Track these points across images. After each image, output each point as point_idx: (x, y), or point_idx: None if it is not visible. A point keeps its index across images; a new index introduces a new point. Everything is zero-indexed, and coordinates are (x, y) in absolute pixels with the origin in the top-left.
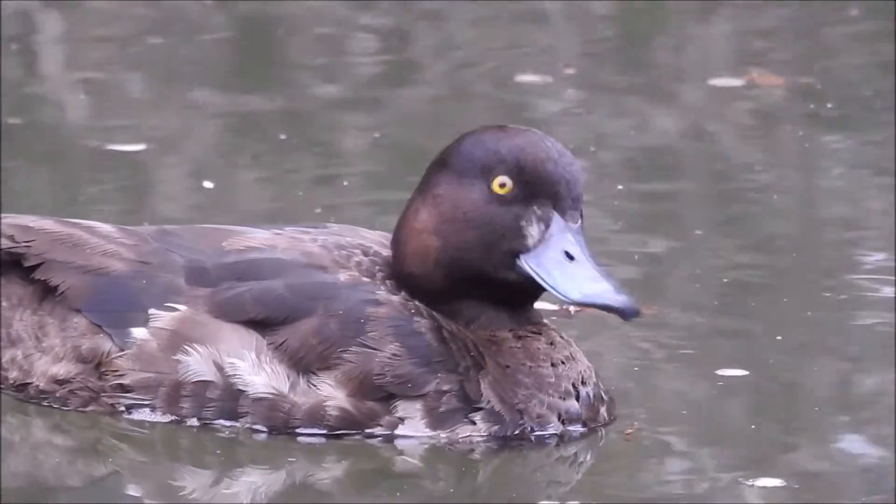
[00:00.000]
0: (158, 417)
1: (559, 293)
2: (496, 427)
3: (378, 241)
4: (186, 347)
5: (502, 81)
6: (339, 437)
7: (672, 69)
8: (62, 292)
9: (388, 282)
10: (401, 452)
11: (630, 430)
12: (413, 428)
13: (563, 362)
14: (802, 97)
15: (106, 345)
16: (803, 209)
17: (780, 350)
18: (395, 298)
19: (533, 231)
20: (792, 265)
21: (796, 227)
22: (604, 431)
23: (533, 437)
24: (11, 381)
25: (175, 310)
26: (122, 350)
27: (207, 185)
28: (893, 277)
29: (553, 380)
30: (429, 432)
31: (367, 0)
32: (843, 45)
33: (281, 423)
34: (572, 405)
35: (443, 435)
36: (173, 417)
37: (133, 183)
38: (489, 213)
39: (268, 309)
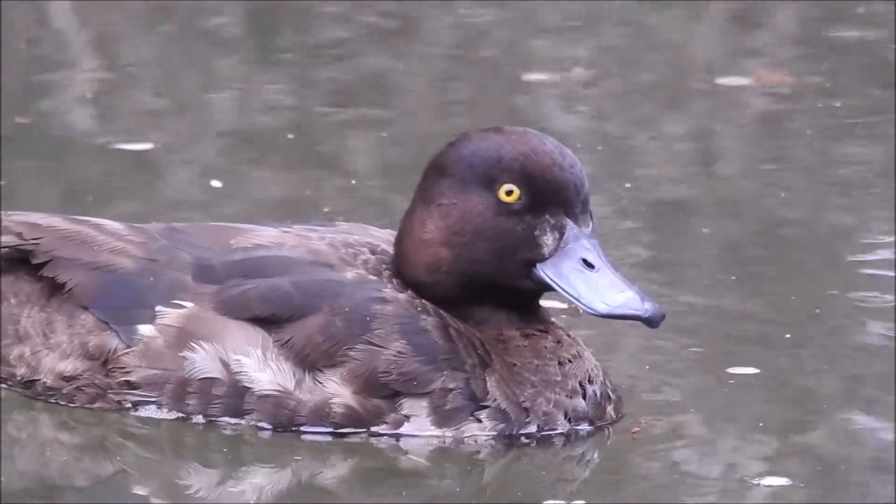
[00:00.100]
0: (164, 414)
1: (583, 305)
2: (502, 425)
3: (386, 239)
4: (192, 344)
5: (510, 80)
6: (344, 435)
7: (680, 68)
8: (70, 289)
9: (394, 280)
10: (406, 451)
11: (637, 429)
12: (419, 426)
13: (570, 361)
14: (810, 96)
15: (113, 342)
16: (811, 207)
17: (792, 348)
18: (402, 296)
19: (548, 240)
20: (801, 262)
21: (805, 225)
22: (611, 430)
23: (539, 436)
24: (19, 378)
25: (182, 307)
26: (129, 347)
27: (216, 183)
28: None
29: (560, 378)
30: (434, 430)
31: (375, 0)
32: (851, 44)
33: (286, 420)
34: (579, 403)
35: (448, 433)
36: (179, 414)
37: (141, 182)
38: (500, 224)
39: (274, 306)
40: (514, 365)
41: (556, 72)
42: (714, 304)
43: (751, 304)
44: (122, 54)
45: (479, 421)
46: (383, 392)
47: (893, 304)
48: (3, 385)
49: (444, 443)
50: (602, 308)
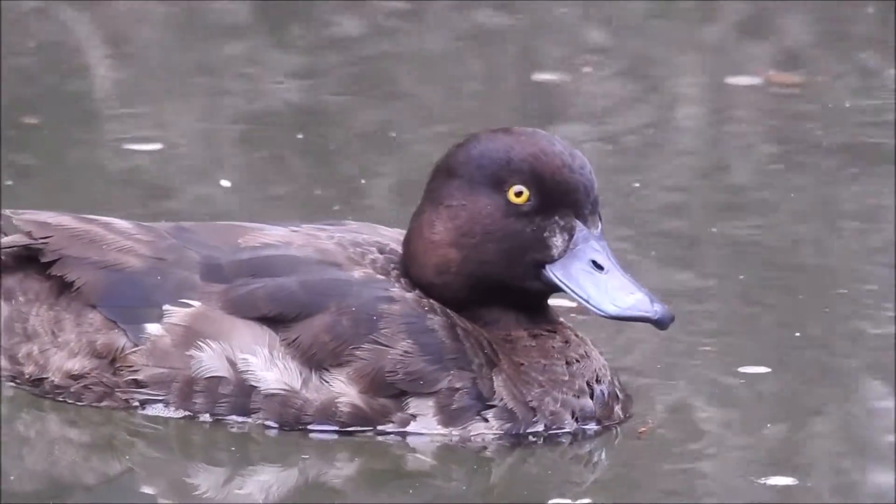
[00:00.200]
0: (172, 413)
1: (593, 307)
2: (509, 425)
3: (395, 238)
4: (199, 343)
5: (520, 79)
6: (350, 433)
7: (689, 68)
8: (78, 288)
9: (402, 279)
10: (413, 450)
11: (644, 429)
12: (425, 425)
13: (577, 360)
14: (819, 95)
15: (120, 340)
16: (821, 206)
17: (801, 348)
18: (409, 296)
19: (557, 241)
20: (810, 261)
21: (814, 224)
22: (618, 430)
23: (546, 435)
24: (27, 376)
25: (189, 306)
26: (137, 346)
27: (225, 183)
28: None
29: (567, 378)
30: (441, 430)
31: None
32: (861, 45)
33: (293, 419)
34: (586, 403)
35: (455, 432)
36: (186, 413)
37: (150, 182)
38: (510, 226)
39: (280, 305)
40: (522, 364)
41: (566, 72)
42: (724, 303)
43: (760, 303)
44: (131, 54)
45: (486, 420)
46: (390, 391)
47: None
48: (12, 383)
49: (451, 442)
50: (611, 310)
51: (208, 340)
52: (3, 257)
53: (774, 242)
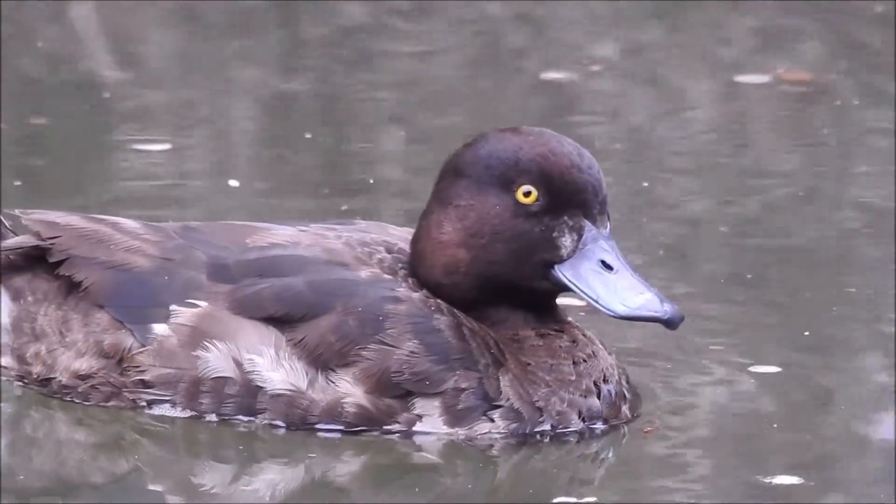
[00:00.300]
0: (178, 413)
1: (603, 307)
2: (515, 424)
3: (404, 237)
4: (206, 343)
5: (528, 79)
6: (357, 432)
7: (697, 65)
8: (86, 288)
9: (410, 279)
10: (419, 448)
11: (650, 428)
12: (431, 425)
13: (584, 360)
14: (828, 93)
15: (128, 340)
16: (830, 205)
17: (811, 348)
18: (416, 295)
19: (566, 241)
20: (818, 261)
21: (823, 223)
22: (626, 429)
23: (553, 435)
24: (35, 376)
25: (196, 306)
26: (144, 346)
27: (233, 183)
28: None
29: (574, 377)
30: (447, 430)
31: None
32: (869, 42)
33: (299, 419)
34: (593, 403)
35: (461, 432)
36: (193, 413)
37: (158, 182)
38: (518, 226)
39: (287, 306)
40: (529, 364)
41: (574, 71)
42: (734, 302)
43: (770, 302)
44: (140, 54)
45: (492, 420)
46: (396, 392)
47: None
48: (20, 383)
49: (457, 441)
50: (621, 310)
51: (215, 341)
52: (11, 257)
53: (784, 241)
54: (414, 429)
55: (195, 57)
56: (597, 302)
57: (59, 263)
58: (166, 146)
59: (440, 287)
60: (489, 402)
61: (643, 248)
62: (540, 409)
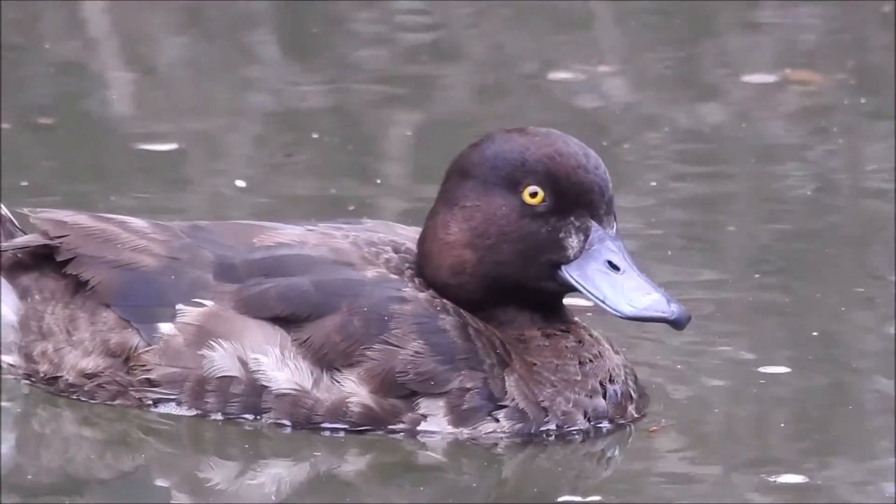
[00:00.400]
0: (184, 411)
1: (610, 308)
2: (520, 425)
3: (411, 237)
4: (212, 343)
5: (536, 78)
6: (361, 432)
7: (705, 67)
8: (93, 287)
9: (416, 279)
10: (424, 447)
11: (655, 428)
12: (436, 425)
13: (590, 360)
14: (837, 93)
15: (134, 339)
16: (839, 204)
17: (820, 348)
18: (422, 295)
19: (573, 242)
20: (826, 260)
21: (833, 222)
22: (632, 428)
23: (558, 434)
24: (42, 374)
25: (202, 305)
26: (150, 345)
27: (240, 183)
28: None
29: (580, 378)
30: (451, 429)
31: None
32: (877, 42)
33: (303, 418)
34: (599, 403)
35: (465, 432)
36: (198, 412)
37: (165, 183)
38: (525, 226)
39: (292, 305)
40: (534, 364)
41: (582, 71)
42: (744, 302)
43: (779, 302)
44: (148, 54)
45: (497, 420)
46: (400, 392)
47: None
48: (27, 381)
49: (462, 439)
50: (628, 310)
51: (220, 340)
52: (19, 255)
53: (792, 242)
54: (418, 429)
55: (203, 57)
56: (603, 302)
57: (67, 262)
58: (173, 146)
59: (447, 287)
60: (494, 403)
61: (651, 249)
62: (545, 410)
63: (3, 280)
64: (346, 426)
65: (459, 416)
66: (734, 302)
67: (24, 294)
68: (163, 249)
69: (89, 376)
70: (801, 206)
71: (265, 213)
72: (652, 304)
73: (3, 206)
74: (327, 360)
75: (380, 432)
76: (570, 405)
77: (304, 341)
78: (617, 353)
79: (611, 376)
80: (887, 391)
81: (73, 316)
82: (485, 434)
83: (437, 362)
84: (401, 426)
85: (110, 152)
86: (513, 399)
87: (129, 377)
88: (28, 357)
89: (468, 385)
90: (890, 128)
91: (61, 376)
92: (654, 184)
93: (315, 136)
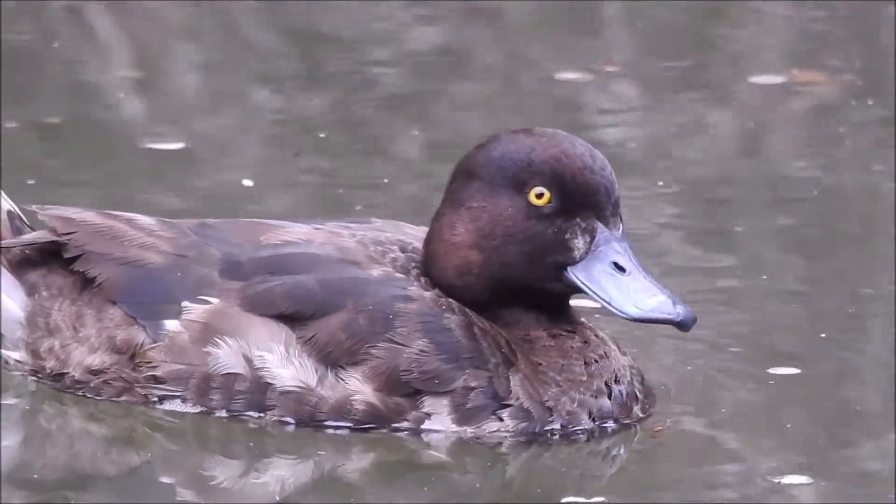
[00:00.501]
0: (189, 409)
1: (615, 309)
2: (524, 424)
3: (419, 236)
4: (217, 340)
5: (543, 79)
6: (365, 430)
7: (712, 67)
8: (99, 284)
9: (422, 278)
10: (428, 446)
11: (660, 428)
12: (440, 423)
13: (596, 360)
14: (844, 94)
15: (140, 336)
16: (846, 205)
17: (828, 349)
18: (427, 294)
19: (578, 243)
20: (835, 261)
21: (839, 223)
22: (638, 428)
23: (562, 434)
24: (49, 371)
25: (207, 303)
26: (156, 342)
27: (247, 182)
28: None
29: (585, 378)
30: (455, 428)
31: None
32: (884, 43)
33: (308, 416)
34: (604, 403)
35: (469, 431)
36: (203, 409)
37: (173, 181)
38: (531, 228)
39: (297, 303)
40: (540, 364)
41: (589, 71)
42: (754, 303)
43: (789, 303)
44: (155, 54)
45: (501, 419)
46: (405, 390)
47: None
48: (34, 377)
49: (466, 439)
50: (634, 312)
51: (225, 337)
52: (27, 252)
53: (800, 242)
54: (422, 427)
55: (209, 56)
56: (609, 304)
57: (74, 259)
58: (180, 145)
59: (453, 288)
60: (499, 402)
61: (660, 250)
62: (550, 409)
63: (11, 276)
64: (350, 424)
65: (463, 415)
66: (742, 302)
67: (31, 290)
68: (170, 247)
69: (95, 373)
70: (808, 207)
71: (272, 213)
72: (657, 306)
73: (11, 202)
74: (332, 358)
75: (384, 430)
76: (575, 405)
77: (309, 339)
78: (624, 354)
79: (616, 377)
80: (893, 393)
81: (79, 312)
82: (489, 433)
83: (442, 361)
84: (405, 424)
85: (117, 151)
86: (517, 398)
87: (135, 374)
88: (35, 353)
89: (472, 384)
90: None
91: (68, 373)
92: (660, 183)
93: (322, 135)
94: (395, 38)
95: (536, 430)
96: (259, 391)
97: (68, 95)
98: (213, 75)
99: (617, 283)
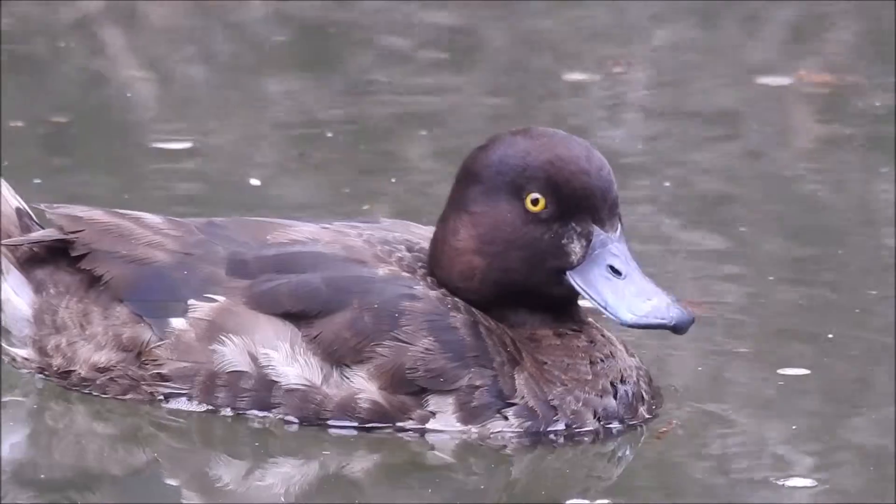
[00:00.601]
0: (194, 407)
1: (611, 314)
2: (529, 423)
3: (426, 236)
4: (222, 338)
5: (550, 80)
6: (370, 429)
7: (719, 67)
8: (106, 282)
9: (428, 278)
10: (432, 447)
11: (664, 430)
12: (444, 422)
13: (602, 360)
14: (850, 95)
15: (146, 334)
16: (853, 206)
17: (835, 350)
18: (433, 293)
19: (575, 248)
20: (841, 262)
21: (846, 224)
22: (644, 429)
23: (567, 434)
24: (55, 368)
25: (213, 301)
26: (162, 340)
27: (254, 181)
28: None
29: (590, 377)
30: (460, 427)
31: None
32: (890, 43)
33: (312, 414)
34: (609, 403)
35: (474, 429)
36: (208, 407)
37: (180, 180)
38: (529, 233)
39: (303, 302)
40: (545, 363)
41: (597, 72)
42: (764, 304)
43: (795, 303)
44: (162, 53)
45: (506, 418)
46: (410, 388)
47: None
48: (41, 375)
49: (470, 439)
50: (628, 318)
51: (231, 335)
52: (35, 250)
53: (806, 243)
54: (427, 425)
55: (216, 56)
56: (606, 309)
57: (82, 257)
58: (188, 144)
59: (457, 291)
60: (503, 400)
61: (667, 252)
62: (555, 408)
63: (19, 273)
64: (354, 423)
65: (468, 414)
66: (749, 303)
67: (39, 288)
68: (176, 245)
69: (102, 370)
70: (815, 208)
71: (279, 212)
72: (651, 311)
73: (20, 199)
74: (337, 357)
75: (388, 429)
76: (580, 404)
77: (315, 337)
78: (632, 354)
79: (622, 376)
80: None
81: (86, 310)
82: (494, 432)
83: (447, 359)
84: (409, 423)
85: (125, 150)
86: (522, 397)
87: (141, 372)
88: (42, 351)
89: (478, 382)
90: None
91: (74, 370)
92: (667, 184)
93: (329, 134)
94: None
95: (541, 429)
96: (264, 389)
97: (75, 94)
98: (220, 74)
99: (613, 288)
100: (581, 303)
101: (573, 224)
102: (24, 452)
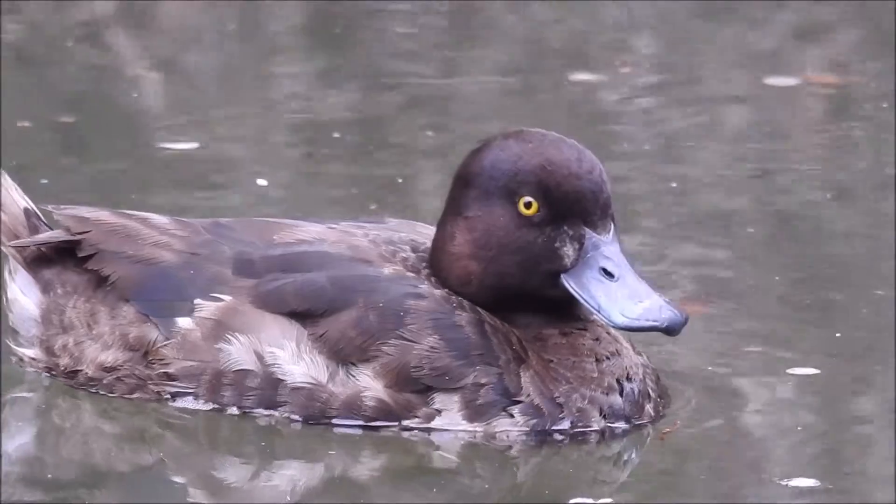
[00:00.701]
0: (201, 405)
1: (603, 317)
2: (535, 421)
3: (431, 236)
4: (228, 337)
5: (557, 80)
6: (376, 428)
7: (726, 68)
8: (113, 282)
9: (433, 278)
10: (438, 446)
11: (669, 430)
12: (450, 420)
13: (608, 358)
14: (856, 96)
15: (153, 334)
16: (859, 207)
17: (840, 350)
18: (438, 292)
19: (568, 251)
20: (847, 264)
21: (854, 225)
22: (649, 428)
23: (573, 433)
24: (63, 368)
25: (219, 300)
26: (168, 339)
27: (261, 182)
28: None
29: (596, 375)
30: (466, 425)
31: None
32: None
33: (318, 412)
34: (615, 400)
35: (479, 428)
36: (215, 406)
37: (187, 181)
38: (521, 238)
39: (309, 301)
40: (551, 361)
41: (604, 72)
42: (772, 305)
43: (806, 304)
44: (168, 53)
45: (511, 416)
46: (415, 386)
47: None
48: (48, 374)
49: (475, 438)
50: (620, 321)
51: (237, 334)
52: (42, 250)
53: (814, 244)
54: (433, 423)
55: (223, 56)
56: (599, 312)
57: (89, 257)
58: (195, 145)
59: (460, 294)
60: (509, 398)
61: (673, 252)
62: (560, 406)
63: (27, 273)
64: (360, 421)
65: (474, 412)
66: (757, 304)
67: (46, 288)
68: (183, 245)
69: (108, 370)
70: (823, 209)
71: (286, 212)
72: (643, 314)
73: (28, 199)
74: (343, 355)
75: (394, 427)
76: (586, 402)
77: (321, 336)
78: (639, 353)
79: (628, 374)
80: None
81: (93, 310)
82: (499, 430)
83: (453, 357)
84: (415, 421)
85: (132, 150)
86: (528, 395)
87: (148, 371)
88: (49, 350)
89: (483, 380)
90: None
91: (81, 370)
92: (674, 185)
93: (336, 135)
94: (410, 38)
95: (547, 427)
96: (270, 387)
97: (82, 94)
98: (227, 75)
99: (605, 290)
100: None
101: (565, 227)
102: (31, 450)
